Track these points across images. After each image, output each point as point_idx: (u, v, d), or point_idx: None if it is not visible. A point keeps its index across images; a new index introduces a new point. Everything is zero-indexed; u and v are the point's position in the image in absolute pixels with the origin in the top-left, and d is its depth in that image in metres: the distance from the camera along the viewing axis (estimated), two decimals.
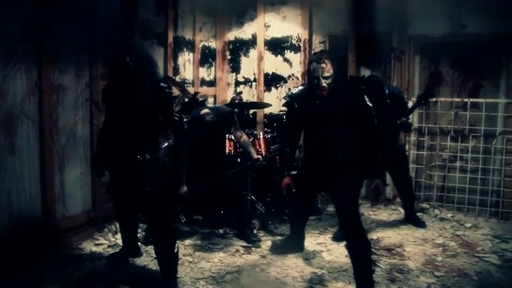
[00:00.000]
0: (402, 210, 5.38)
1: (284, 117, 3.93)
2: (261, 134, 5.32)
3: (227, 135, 4.84)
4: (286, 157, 3.85)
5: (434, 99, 5.43)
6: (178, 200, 4.11)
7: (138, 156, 3.23)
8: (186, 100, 3.57)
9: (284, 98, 3.77)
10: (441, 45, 5.71)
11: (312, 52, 6.15)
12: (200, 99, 3.42)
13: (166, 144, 3.39)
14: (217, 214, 4.85)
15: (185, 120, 3.33)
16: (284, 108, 3.93)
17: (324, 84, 3.34)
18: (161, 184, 3.31)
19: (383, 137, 3.29)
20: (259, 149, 5.10)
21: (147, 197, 3.27)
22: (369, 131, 3.31)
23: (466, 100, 5.55)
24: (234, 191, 4.61)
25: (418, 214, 5.25)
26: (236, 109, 5.19)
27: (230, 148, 5.05)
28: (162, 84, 3.24)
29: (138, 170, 3.24)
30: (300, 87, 3.76)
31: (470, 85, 5.74)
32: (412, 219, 5.08)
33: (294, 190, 3.75)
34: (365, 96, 3.32)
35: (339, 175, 3.40)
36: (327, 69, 3.34)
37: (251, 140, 4.88)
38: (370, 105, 3.30)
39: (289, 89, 5.84)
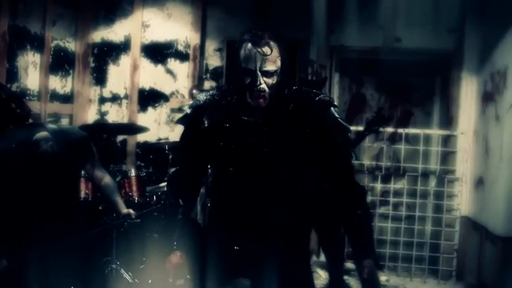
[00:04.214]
0: (323, 273, 4.48)
1: (176, 144, 2.28)
2: (132, 171, 4.06)
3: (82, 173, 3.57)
4: (178, 217, 2.17)
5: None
6: None
7: None
8: None
9: (182, 108, 2.12)
10: (365, 62, 4.86)
11: (204, 62, 4.97)
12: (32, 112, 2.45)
13: None
14: None
15: None
16: (168, 134, 2.33)
17: (264, 86, 1.82)
18: None
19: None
20: (130, 193, 3.92)
21: None
22: (343, 170, 1.89)
23: (400, 130, 4.70)
24: (92, 258, 3.42)
25: (344, 277, 4.23)
26: (104, 135, 4.21)
27: (87, 192, 3.79)
28: None
29: None
30: (213, 92, 2.15)
31: (399, 113, 5.01)
32: (340, 286, 4.07)
33: (189, 277, 2.12)
34: (334, 110, 1.89)
35: (285, 255, 1.89)
36: (272, 58, 1.81)
37: (118, 179, 3.84)
38: (345, 125, 1.89)
39: (193, 96, 4.43)
